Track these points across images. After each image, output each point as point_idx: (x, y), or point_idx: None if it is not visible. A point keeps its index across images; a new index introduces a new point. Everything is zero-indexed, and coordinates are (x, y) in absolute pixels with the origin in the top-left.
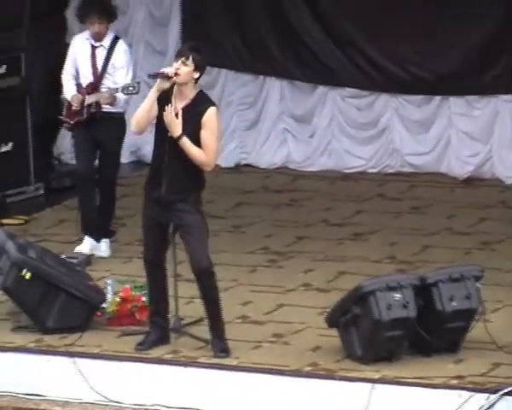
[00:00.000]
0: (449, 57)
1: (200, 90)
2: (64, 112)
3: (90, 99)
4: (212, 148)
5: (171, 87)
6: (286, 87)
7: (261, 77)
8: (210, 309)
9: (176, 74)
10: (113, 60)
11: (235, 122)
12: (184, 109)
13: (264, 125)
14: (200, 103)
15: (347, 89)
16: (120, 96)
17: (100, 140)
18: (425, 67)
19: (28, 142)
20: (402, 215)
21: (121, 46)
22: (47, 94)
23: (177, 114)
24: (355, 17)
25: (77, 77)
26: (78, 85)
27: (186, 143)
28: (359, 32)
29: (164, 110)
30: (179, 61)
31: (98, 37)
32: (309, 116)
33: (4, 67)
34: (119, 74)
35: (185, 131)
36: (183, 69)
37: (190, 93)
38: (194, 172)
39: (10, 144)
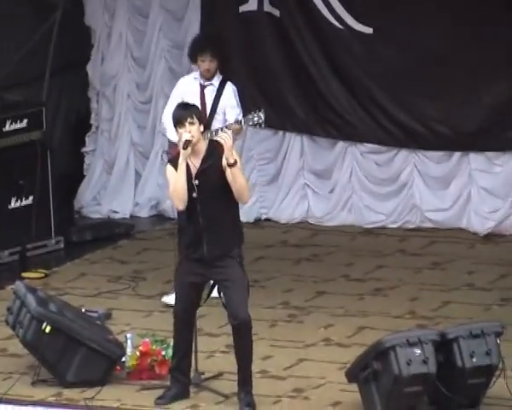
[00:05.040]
0: (469, 114)
1: (210, 140)
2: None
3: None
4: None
5: (178, 154)
6: (306, 142)
7: (281, 132)
8: (243, 363)
9: (192, 137)
10: (224, 100)
11: (256, 177)
12: (203, 162)
13: (285, 180)
14: (214, 149)
15: (367, 144)
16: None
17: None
18: (445, 123)
19: (49, 195)
20: (422, 271)
21: (231, 87)
22: (68, 147)
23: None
24: (375, 73)
25: None
26: None
27: (239, 170)
28: (379, 88)
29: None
30: (186, 124)
31: (208, 75)
32: (329, 171)
33: (25, 121)
34: (233, 113)
35: (213, 180)
36: (194, 129)
37: (203, 146)
38: (232, 226)
39: (31, 198)
